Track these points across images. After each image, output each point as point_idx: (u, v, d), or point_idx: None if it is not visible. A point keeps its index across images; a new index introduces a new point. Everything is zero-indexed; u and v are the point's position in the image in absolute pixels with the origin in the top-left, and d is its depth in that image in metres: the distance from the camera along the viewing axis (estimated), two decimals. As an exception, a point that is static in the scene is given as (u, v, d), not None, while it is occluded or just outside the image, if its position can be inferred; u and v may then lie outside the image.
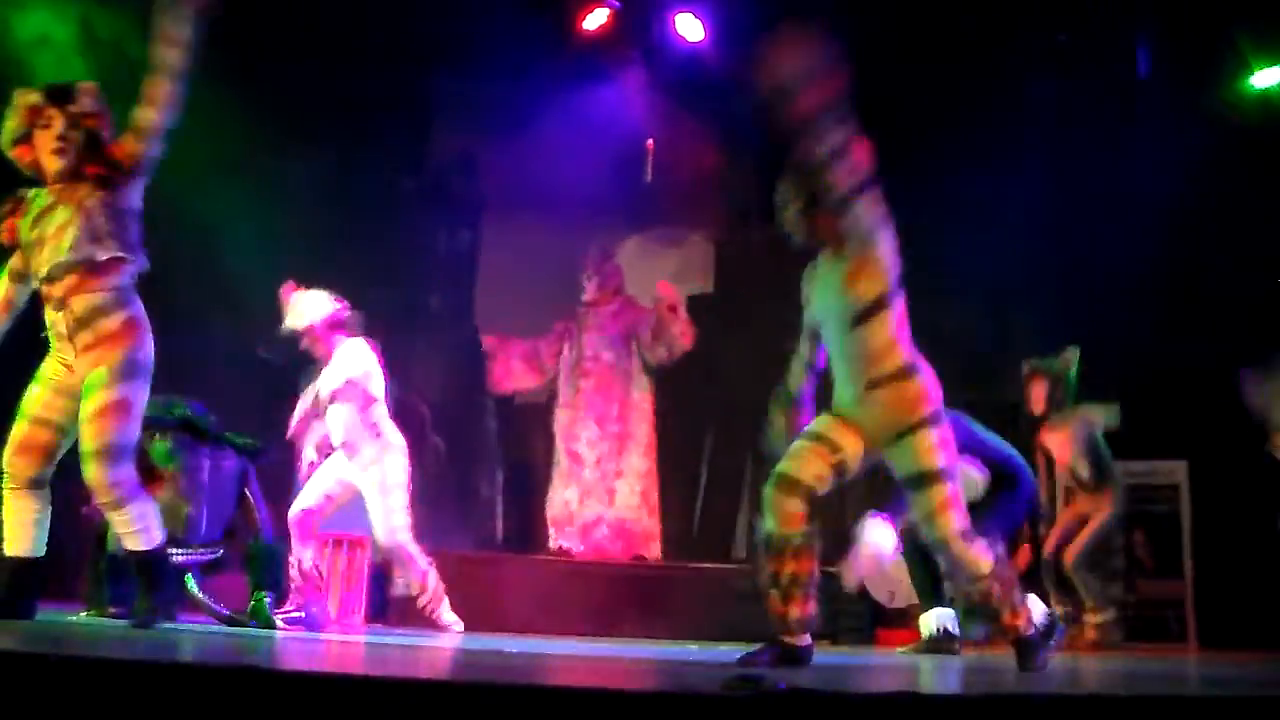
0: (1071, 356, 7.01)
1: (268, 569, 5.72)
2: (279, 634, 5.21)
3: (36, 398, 4.38)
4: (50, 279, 4.29)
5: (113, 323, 4.30)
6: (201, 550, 5.50)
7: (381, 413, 6.01)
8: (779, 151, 3.87)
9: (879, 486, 4.74)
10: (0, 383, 4.51)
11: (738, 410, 8.61)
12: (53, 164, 4.32)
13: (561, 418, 8.24)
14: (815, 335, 4.12)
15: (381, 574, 6.81)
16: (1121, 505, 7.10)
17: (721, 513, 8.79)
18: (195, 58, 4.25)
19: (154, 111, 4.27)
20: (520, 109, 8.46)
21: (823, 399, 4.15)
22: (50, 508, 4.41)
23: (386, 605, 7.03)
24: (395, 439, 6.03)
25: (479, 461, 9.00)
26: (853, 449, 3.92)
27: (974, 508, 4.25)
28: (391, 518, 5.92)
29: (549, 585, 7.42)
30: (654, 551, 8.07)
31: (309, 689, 2.23)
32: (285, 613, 5.65)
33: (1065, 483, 7.40)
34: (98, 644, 3.12)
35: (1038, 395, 7.08)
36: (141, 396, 4.36)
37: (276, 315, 6.03)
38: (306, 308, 5.94)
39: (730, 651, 4.45)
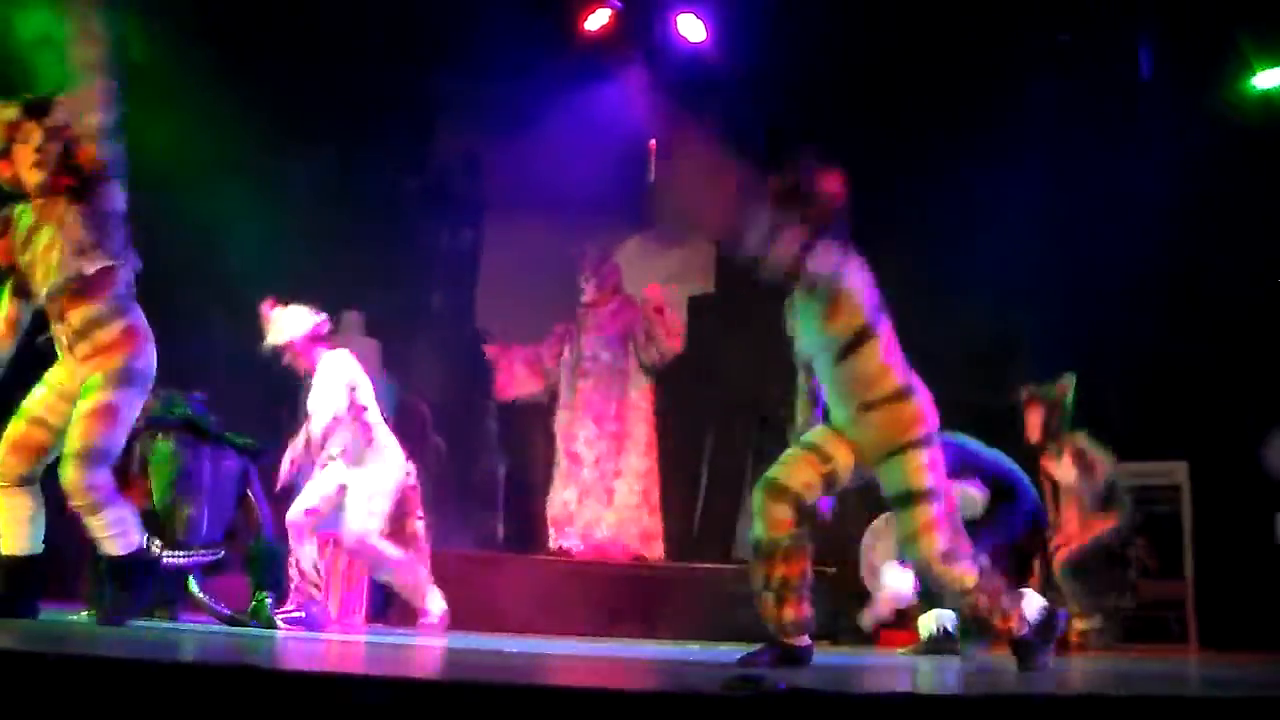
0: (1068, 384, 6.98)
1: (269, 569, 5.72)
2: (279, 634, 5.22)
3: (39, 399, 4.41)
4: (49, 298, 4.34)
5: (110, 333, 4.32)
6: (203, 552, 5.49)
7: (375, 419, 6.00)
8: (779, 151, 3.88)
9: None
10: (8, 386, 4.53)
11: (738, 410, 8.62)
12: (33, 177, 4.33)
13: (561, 418, 8.23)
14: (808, 366, 4.16)
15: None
16: (1127, 522, 7.05)
17: (722, 513, 8.77)
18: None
19: (97, 113, 4.25)
20: (522, 109, 8.45)
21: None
22: (44, 505, 4.41)
23: (387, 605, 7.03)
24: (390, 446, 6.02)
25: (479, 461, 9.00)
26: (844, 461, 3.97)
27: (975, 525, 4.27)
28: (366, 521, 5.87)
29: (549, 585, 7.40)
30: (655, 552, 8.05)
31: (309, 689, 2.24)
32: (286, 612, 5.65)
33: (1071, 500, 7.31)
34: (98, 644, 3.13)
35: (1034, 422, 7.02)
36: (133, 405, 4.37)
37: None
38: (286, 324, 5.90)
39: (731, 652, 4.45)
